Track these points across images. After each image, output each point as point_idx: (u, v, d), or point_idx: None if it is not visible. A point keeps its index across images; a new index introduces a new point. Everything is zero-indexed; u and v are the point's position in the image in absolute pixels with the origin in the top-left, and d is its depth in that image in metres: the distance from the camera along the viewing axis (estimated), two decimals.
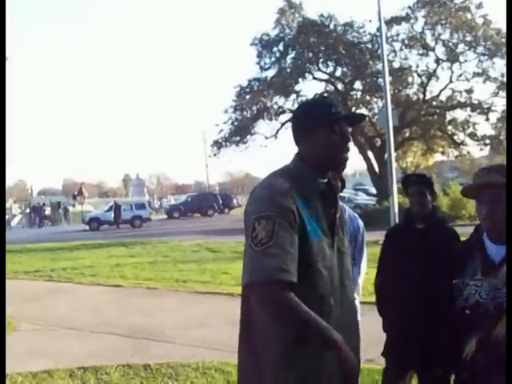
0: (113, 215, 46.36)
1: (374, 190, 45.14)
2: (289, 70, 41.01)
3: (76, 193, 69.43)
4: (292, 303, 2.67)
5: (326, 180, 3.03)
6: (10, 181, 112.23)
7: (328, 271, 2.87)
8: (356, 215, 5.37)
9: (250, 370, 2.94)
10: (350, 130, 3.02)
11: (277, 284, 2.64)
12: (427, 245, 4.78)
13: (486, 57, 37.81)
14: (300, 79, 41.79)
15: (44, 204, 58.43)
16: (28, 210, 58.63)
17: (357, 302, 5.20)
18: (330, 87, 42.92)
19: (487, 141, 39.14)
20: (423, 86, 40.50)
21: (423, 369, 4.90)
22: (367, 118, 41.71)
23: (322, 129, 2.94)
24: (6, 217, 52.62)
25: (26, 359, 8.24)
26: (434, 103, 40.92)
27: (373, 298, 5.34)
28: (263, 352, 2.84)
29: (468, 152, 41.63)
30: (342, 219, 3.15)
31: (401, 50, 40.16)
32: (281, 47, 41.47)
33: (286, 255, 2.66)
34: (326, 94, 42.51)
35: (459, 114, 40.52)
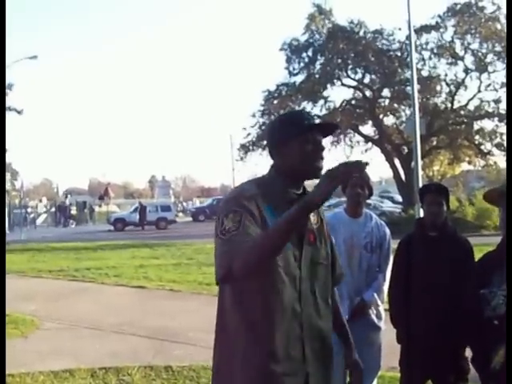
0: (138, 216, 46.49)
1: (399, 198, 44.94)
2: (317, 76, 40.94)
3: (102, 193, 69.90)
4: (254, 246, 2.65)
5: (300, 191, 3.00)
6: (36, 179, 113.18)
7: (290, 279, 2.86)
8: (383, 223, 5.34)
9: (224, 358, 3.00)
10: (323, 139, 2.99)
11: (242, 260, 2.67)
12: (440, 253, 4.81)
13: None
14: (328, 85, 41.68)
15: (70, 203, 58.72)
16: (53, 209, 58.90)
17: (381, 309, 5.18)
18: (358, 94, 42.79)
19: None
20: (451, 95, 40.31)
21: (439, 377, 4.88)
22: (394, 126, 41.63)
23: (295, 139, 2.93)
24: (31, 215, 52.98)
25: (48, 358, 8.29)
26: (462, 112, 40.72)
27: None
28: (235, 341, 2.91)
29: (495, 162, 41.38)
30: (322, 230, 3.11)
31: (430, 58, 40.05)
32: (310, 53, 41.43)
33: (251, 240, 2.68)
34: (353, 101, 42.53)
35: (487, 124, 40.32)
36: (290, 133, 2.95)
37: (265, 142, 42.46)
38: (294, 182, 2.99)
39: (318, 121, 3.05)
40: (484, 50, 39.01)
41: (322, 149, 2.98)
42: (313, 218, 3.05)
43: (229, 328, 2.95)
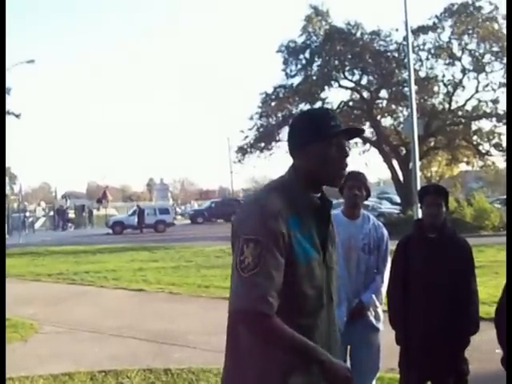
0: (136, 219, 46.48)
1: (398, 199, 44.97)
2: (315, 78, 41.00)
3: (100, 196, 69.89)
4: (277, 331, 2.64)
5: (319, 195, 2.93)
6: (34, 183, 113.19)
7: (315, 290, 2.82)
8: (380, 224, 5.35)
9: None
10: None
11: (260, 314, 2.60)
12: (439, 254, 4.82)
13: None
14: (326, 87, 41.73)
15: (68, 207, 58.69)
16: (52, 213, 58.86)
17: (379, 311, 5.18)
18: (356, 95, 42.85)
19: None
20: (449, 96, 40.36)
21: (438, 378, 4.88)
22: (392, 127, 41.68)
23: (320, 141, 2.82)
24: (30, 219, 52.93)
25: (47, 361, 8.30)
26: (460, 113, 40.77)
27: None
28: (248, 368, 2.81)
29: (493, 162, 41.48)
30: (332, 234, 3.04)
31: (427, 59, 40.16)
32: (307, 54, 41.49)
33: (270, 283, 2.63)
34: (351, 103, 42.57)
35: (484, 124, 40.37)
36: (315, 134, 2.84)
37: (263, 145, 42.57)
38: (315, 186, 2.90)
39: (343, 125, 2.90)
40: (481, 51, 39.08)
41: (347, 155, 2.88)
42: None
43: (241, 347, 2.83)
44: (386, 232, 5.29)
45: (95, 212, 64.19)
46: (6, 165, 48.42)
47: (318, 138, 2.82)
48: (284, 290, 2.68)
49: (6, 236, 39.06)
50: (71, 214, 58.08)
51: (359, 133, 3.08)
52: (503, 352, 3.67)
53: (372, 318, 5.13)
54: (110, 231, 46.13)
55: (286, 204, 2.74)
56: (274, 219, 2.67)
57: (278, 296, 2.64)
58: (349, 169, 5.19)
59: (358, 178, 5.14)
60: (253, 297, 2.60)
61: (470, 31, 38.61)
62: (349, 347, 5.22)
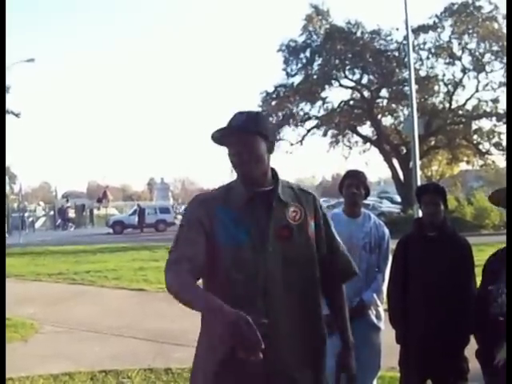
0: (137, 219, 46.45)
1: (398, 198, 44.98)
2: (315, 77, 40.98)
3: (100, 196, 69.77)
4: (173, 284, 3.05)
5: (261, 189, 3.11)
6: (34, 183, 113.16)
7: (244, 275, 2.95)
8: (381, 223, 5.35)
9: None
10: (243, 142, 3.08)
11: (166, 273, 3.09)
12: (439, 252, 4.81)
13: None
14: (326, 86, 41.71)
15: (68, 206, 58.62)
16: (52, 213, 58.80)
17: (380, 310, 5.18)
18: (356, 94, 42.80)
19: None
20: (449, 95, 40.34)
21: (438, 377, 4.88)
22: (393, 126, 41.66)
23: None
24: (30, 219, 52.88)
25: (47, 361, 8.28)
26: (460, 112, 40.78)
27: None
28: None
29: (493, 161, 41.46)
30: (306, 226, 3.14)
31: (427, 58, 40.14)
32: (308, 54, 41.47)
33: (182, 252, 2.98)
34: (351, 102, 42.55)
35: (485, 124, 40.37)
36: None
37: None
38: (248, 185, 3.11)
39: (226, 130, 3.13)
40: (481, 50, 39.08)
41: (237, 154, 3.08)
42: (293, 213, 3.11)
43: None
44: (387, 231, 5.29)
45: (95, 211, 64.16)
46: (6, 164, 48.46)
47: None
48: (214, 277, 2.99)
49: (7, 235, 39.07)
50: (71, 214, 57.99)
51: (233, 132, 3.13)
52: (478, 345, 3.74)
53: (373, 317, 5.13)
54: (111, 231, 46.05)
55: (218, 197, 3.12)
56: (198, 206, 3.10)
57: (190, 261, 2.93)
58: (349, 168, 5.18)
59: (357, 177, 5.15)
60: (167, 264, 3.09)
61: (470, 31, 38.60)
62: None
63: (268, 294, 2.96)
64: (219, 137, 3.09)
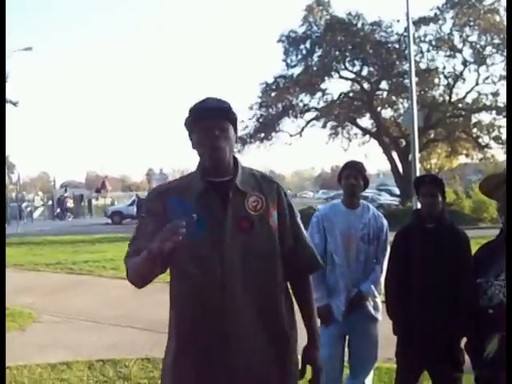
0: (135, 209, 46.46)
1: (397, 191, 45.01)
2: (315, 68, 40.94)
3: (99, 186, 69.80)
4: (128, 263, 3.16)
5: (219, 179, 3.06)
6: (33, 173, 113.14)
7: (200, 269, 2.92)
8: (380, 214, 5.34)
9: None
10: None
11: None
12: (437, 244, 4.80)
13: None
14: (326, 77, 41.69)
15: (66, 196, 58.57)
16: (50, 202, 58.76)
17: (378, 301, 5.18)
18: (356, 86, 42.77)
19: None
20: (449, 88, 40.31)
21: (435, 367, 4.88)
22: (392, 119, 41.64)
23: (192, 133, 3.09)
24: (28, 209, 52.85)
25: (45, 351, 8.29)
26: (460, 105, 40.74)
27: None
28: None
29: (492, 155, 41.47)
30: (266, 217, 3.04)
31: (428, 51, 40.07)
32: (308, 45, 41.44)
33: (139, 242, 3.05)
34: (351, 94, 42.51)
35: (484, 117, 40.36)
36: (187, 128, 3.12)
37: (262, 135, 42.56)
38: (207, 171, 3.07)
39: (201, 113, 3.04)
40: (483, 43, 39.02)
41: (211, 136, 2.98)
42: (254, 203, 3.03)
43: None
44: (385, 222, 5.29)
45: (94, 202, 64.16)
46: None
47: (190, 130, 3.11)
48: (172, 271, 3.02)
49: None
50: (70, 204, 57.96)
51: (221, 111, 3.08)
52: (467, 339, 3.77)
53: (371, 308, 5.13)
54: (109, 221, 46.12)
55: (173, 188, 3.11)
56: (153, 199, 3.13)
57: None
58: (347, 160, 5.16)
59: (356, 168, 5.14)
60: (125, 257, 3.25)
61: (472, 23, 38.52)
62: (347, 337, 5.24)
63: (226, 289, 2.89)
64: (198, 117, 3.03)
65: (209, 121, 2.98)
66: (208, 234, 2.89)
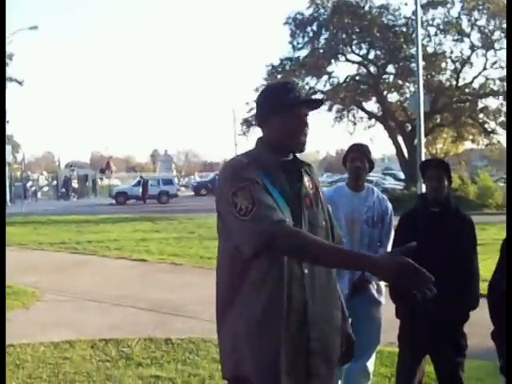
0: (140, 190, 46.53)
1: (402, 175, 44.97)
2: (322, 51, 40.88)
3: (104, 166, 69.77)
4: (315, 241, 2.78)
5: (289, 158, 3.10)
6: (37, 152, 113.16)
7: None
8: (385, 197, 5.31)
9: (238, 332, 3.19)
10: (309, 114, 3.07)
11: (290, 232, 2.77)
12: (442, 228, 4.78)
13: None
14: (332, 60, 41.66)
15: (71, 176, 58.63)
16: (55, 182, 58.82)
17: (382, 284, 5.17)
18: (363, 70, 42.71)
19: None
20: (456, 73, 40.22)
21: (437, 352, 4.88)
22: (398, 103, 41.53)
23: (279, 114, 3.01)
24: (33, 188, 52.92)
25: (48, 329, 8.31)
26: (467, 90, 40.65)
27: None
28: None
29: (498, 141, 41.47)
30: (318, 196, 3.14)
31: (435, 34, 39.97)
32: (314, 27, 41.32)
33: (273, 211, 2.79)
34: (357, 77, 42.36)
35: (491, 102, 40.34)
36: (273, 108, 3.03)
37: None
38: (280, 152, 3.06)
39: (303, 96, 3.14)
40: (491, 27, 38.89)
41: (306, 124, 3.05)
42: (308, 183, 3.10)
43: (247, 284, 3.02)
44: (390, 205, 5.26)
45: (99, 182, 64.21)
46: (10, 133, 48.38)
47: (275, 111, 3.03)
48: None
49: (9, 204, 39.16)
50: (74, 184, 58.04)
51: (319, 104, 3.19)
52: (494, 327, 3.77)
53: (374, 292, 5.12)
54: (114, 201, 46.24)
55: (252, 162, 2.96)
56: (245, 169, 2.91)
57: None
58: (353, 143, 5.13)
59: (361, 150, 5.12)
60: (266, 225, 2.74)
61: (480, 7, 38.38)
62: (350, 320, 5.23)
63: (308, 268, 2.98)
64: (302, 99, 3.09)
65: (306, 109, 3.07)
66: (289, 206, 2.93)
